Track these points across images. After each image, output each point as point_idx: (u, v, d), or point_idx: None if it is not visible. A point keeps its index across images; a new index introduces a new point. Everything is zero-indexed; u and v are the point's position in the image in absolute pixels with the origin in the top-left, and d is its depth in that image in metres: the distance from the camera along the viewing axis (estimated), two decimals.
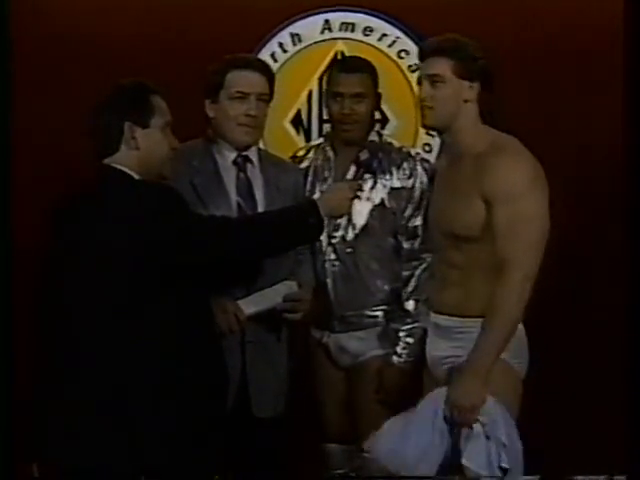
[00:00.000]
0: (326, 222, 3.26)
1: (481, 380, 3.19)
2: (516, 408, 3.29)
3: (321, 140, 4.03)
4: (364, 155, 3.77)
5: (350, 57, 4.27)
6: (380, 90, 3.90)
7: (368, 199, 3.83)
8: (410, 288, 3.83)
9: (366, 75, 3.83)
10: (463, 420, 3.21)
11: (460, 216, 3.27)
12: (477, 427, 3.20)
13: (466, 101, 3.31)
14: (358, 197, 3.45)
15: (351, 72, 3.82)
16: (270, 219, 3.28)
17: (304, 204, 3.42)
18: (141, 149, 3.10)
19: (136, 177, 3.08)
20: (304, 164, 3.94)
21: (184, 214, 3.04)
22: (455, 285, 3.30)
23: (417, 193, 3.83)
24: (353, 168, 3.79)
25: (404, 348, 3.81)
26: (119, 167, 3.08)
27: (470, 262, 3.26)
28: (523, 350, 3.34)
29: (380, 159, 3.72)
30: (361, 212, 3.83)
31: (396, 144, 3.94)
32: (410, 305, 3.82)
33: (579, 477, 3.17)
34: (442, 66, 3.29)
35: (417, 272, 3.82)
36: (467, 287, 3.27)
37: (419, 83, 3.40)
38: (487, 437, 3.19)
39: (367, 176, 3.80)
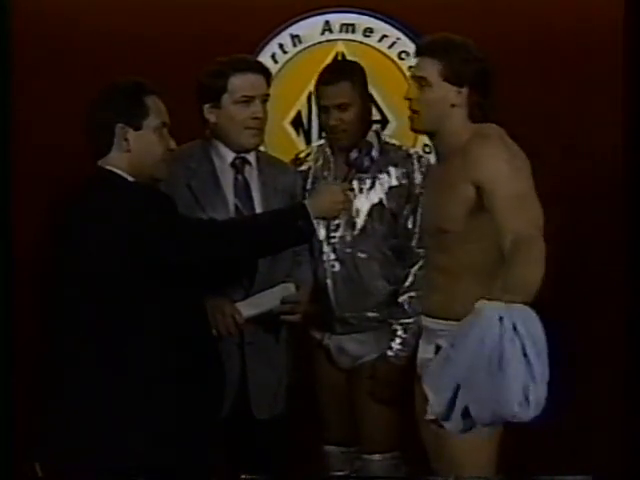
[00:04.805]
0: (316, 224, 3.23)
1: None
2: None
3: (322, 142, 4.02)
4: (354, 154, 3.73)
5: (329, 67, 4.10)
6: (371, 89, 3.88)
7: (367, 199, 3.84)
8: (407, 284, 3.82)
9: (347, 83, 3.80)
10: None
11: (445, 207, 3.18)
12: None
13: (453, 106, 3.20)
14: (350, 199, 3.44)
15: (331, 84, 3.80)
16: (259, 222, 3.28)
17: (294, 206, 3.40)
18: (132, 151, 3.07)
19: (129, 179, 3.06)
20: (305, 166, 3.94)
21: (169, 215, 3.02)
22: (440, 288, 3.23)
23: (415, 192, 3.82)
24: (345, 169, 3.79)
25: (400, 343, 3.80)
26: (109, 168, 3.07)
27: (454, 265, 3.19)
28: None
29: (372, 157, 3.70)
30: (360, 212, 3.83)
31: (395, 143, 3.93)
32: (405, 301, 3.81)
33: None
34: (430, 69, 3.19)
35: (413, 269, 3.80)
36: (451, 290, 3.19)
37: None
38: None
39: (363, 176, 3.78)
